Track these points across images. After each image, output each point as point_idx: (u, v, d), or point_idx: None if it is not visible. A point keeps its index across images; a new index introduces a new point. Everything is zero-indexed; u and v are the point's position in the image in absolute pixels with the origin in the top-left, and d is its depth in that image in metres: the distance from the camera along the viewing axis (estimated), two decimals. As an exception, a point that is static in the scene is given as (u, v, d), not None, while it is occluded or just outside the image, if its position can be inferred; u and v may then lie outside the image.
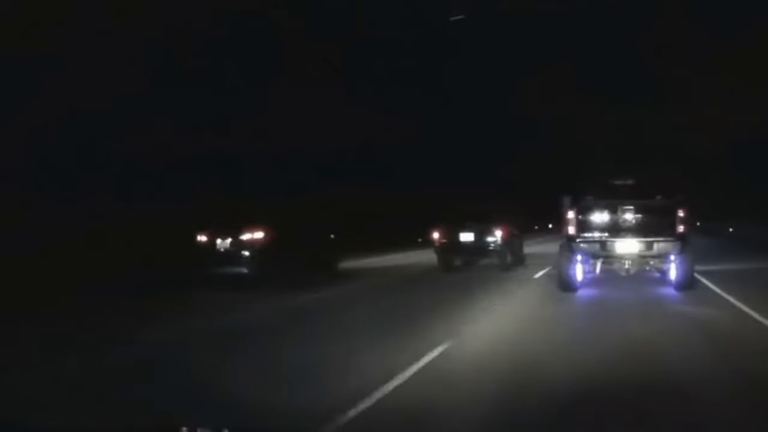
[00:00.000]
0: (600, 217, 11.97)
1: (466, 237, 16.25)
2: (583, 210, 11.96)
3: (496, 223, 16.10)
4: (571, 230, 11.77)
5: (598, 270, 12.38)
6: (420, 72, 37.33)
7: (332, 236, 15.89)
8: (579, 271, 12.02)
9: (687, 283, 11.62)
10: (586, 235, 11.84)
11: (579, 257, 11.91)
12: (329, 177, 30.98)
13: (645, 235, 11.71)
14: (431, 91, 40.20)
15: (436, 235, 16.48)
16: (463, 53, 36.32)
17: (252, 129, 26.93)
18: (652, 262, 12.18)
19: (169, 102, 24.14)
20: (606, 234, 11.79)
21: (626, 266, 11.97)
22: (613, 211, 11.94)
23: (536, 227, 35.43)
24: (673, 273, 11.81)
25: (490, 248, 16.16)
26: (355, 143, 34.02)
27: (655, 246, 11.66)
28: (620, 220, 11.86)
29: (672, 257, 11.71)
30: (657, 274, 12.70)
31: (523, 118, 41.37)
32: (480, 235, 16.13)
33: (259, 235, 13.20)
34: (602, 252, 11.91)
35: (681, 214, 11.53)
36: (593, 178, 13.13)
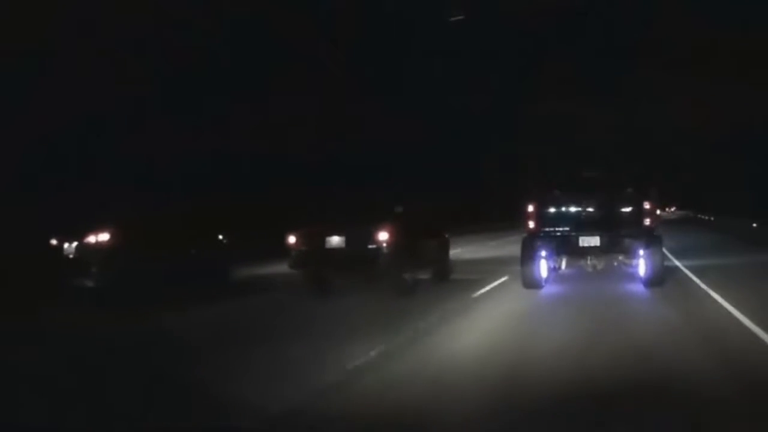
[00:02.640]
0: (564, 210, 11.50)
1: (335, 242, 11.08)
2: (547, 203, 11.49)
3: (380, 222, 10.85)
4: (532, 225, 11.31)
5: (563, 266, 11.89)
6: (419, 71, 37.15)
7: (221, 238, 12.88)
8: (543, 268, 11.54)
9: (657, 280, 11.07)
10: (548, 229, 11.37)
11: (543, 253, 11.43)
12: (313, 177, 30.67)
13: (610, 229, 11.21)
14: (430, 91, 39.99)
15: (292, 240, 11.40)
16: (462, 53, 36.09)
17: (239, 129, 26.78)
18: (620, 258, 11.67)
19: (166, 101, 24.08)
20: (569, 228, 11.31)
21: (591, 262, 11.48)
22: (578, 204, 11.47)
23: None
24: (642, 269, 11.31)
25: (372, 259, 10.77)
26: (350, 143, 33.87)
27: (621, 241, 11.16)
28: (585, 213, 11.39)
29: (640, 252, 11.21)
30: (632, 270, 12.10)
31: (523, 117, 41.01)
32: (355, 240, 10.93)
33: (104, 237, 10.67)
34: (566, 247, 11.41)
35: (647, 206, 11.04)
36: (559, 170, 12.67)
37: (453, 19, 24.15)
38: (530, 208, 11.33)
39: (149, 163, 22.76)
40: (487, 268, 14.89)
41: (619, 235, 11.12)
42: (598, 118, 36.98)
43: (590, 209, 11.38)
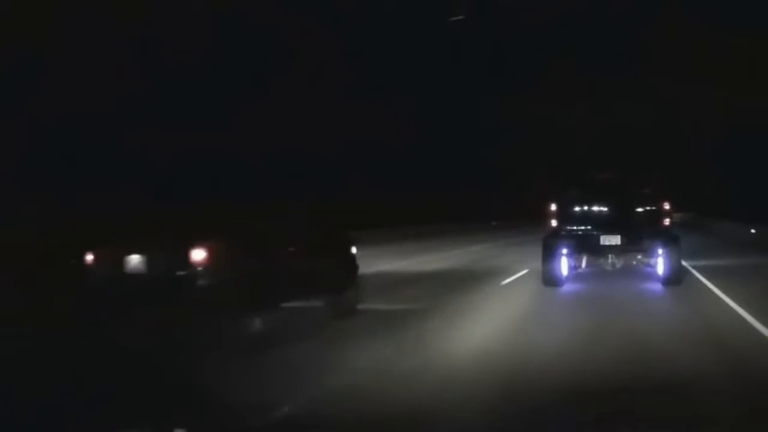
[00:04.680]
0: (585, 210, 11.87)
1: (134, 264, 7.58)
2: (568, 203, 11.84)
3: (198, 235, 7.30)
4: (555, 223, 11.64)
5: (583, 264, 12.21)
6: (419, 71, 37.47)
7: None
8: (564, 266, 11.86)
9: (675, 278, 11.43)
10: (570, 228, 11.71)
11: (564, 251, 11.76)
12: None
13: (630, 229, 11.57)
14: (430, 91, 40.30)
15: (89, 260, 7.92)
16: (462, 53, 36.41)
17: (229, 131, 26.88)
18: (639, 257, 12.01)
19: (165, 101, 24.20)
20: (590, 227, 11.66)
21: (611, 260, 11.81)
22: (598, 204, 11.84)
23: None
24: (660, 268, 11.64)
25: (183, 289, 7.21)
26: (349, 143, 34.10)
27: (640, 240, 11.53)
28: (605, 214, 11.76)
29: (659, 251, 11.56)
30: (650, 268, 12.38)
31: (523, 117, 41.35)
32: (160, 261, 7.51)
33: None
34: (587, 246, 11.75)
35: (666, 207, 11.42)
36: (580, 171, 13.03)
37: (453, 19, 24.46)
38: (552, 208, 11.67)
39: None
40: (431, 288, 11.81)
41: (638, 235, 11.47)
42: (598, 120, 37.36)
43: (610, 209, 11.75)
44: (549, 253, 11.62)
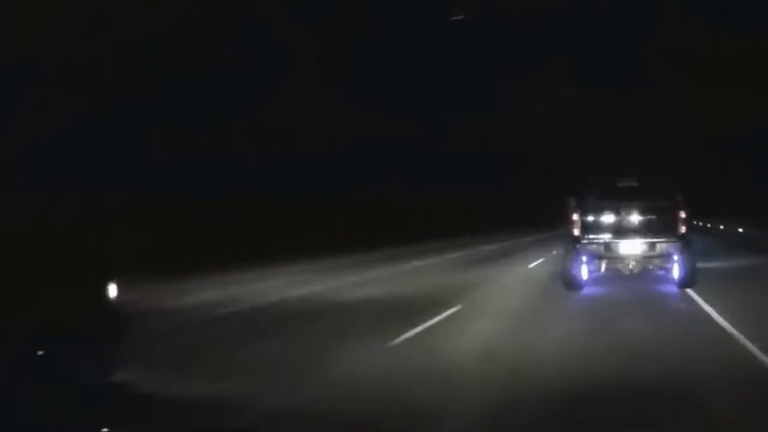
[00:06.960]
0: (604, 218, 12.39)
1: None
2: (588, 211, 12.36)
3: None
4: (576, 231, 12.16)
5: (603, 269, 12.75)
6: (420, 71, 37.81)
7: None
8: (584, 271, 12.38)
9: (690, 281, 11.98)
10: (591, 236, 12.23)
11: (584, 257, 12.29)
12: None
13: (648, 236, 12.13)
14: (430, 92, 40.64)
15: None
16: (462, 52, 36.77)
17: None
18: (656, 262, 12.56)
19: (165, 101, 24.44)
20: (610, 235, 12.20)
21: (630, 266, 12.36)
22: (616, 212, 12.37)
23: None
24: (676, 272, 12.19)
25: None
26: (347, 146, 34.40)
27: (658, 246, 12.08)
28: (624, 222, 12.29)
29: (675, 257, 12.11)
30: (665, 273, 12.78)
31: (522, 116, 41.71)
32: None
33: None
34: (607, 253, 12.30)
35: (682, 215, 11.96)
36: (596, 179, 13.48)
37: (453, 18, 24.81)
38: (574, 216, 12.20)
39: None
40: (305, 339, 8.01)
41: (657, 242, 12.03)
42: (598, 119, 37.78)
43: (629, 217, 12.28)
44: (571, 259, 12.16)
